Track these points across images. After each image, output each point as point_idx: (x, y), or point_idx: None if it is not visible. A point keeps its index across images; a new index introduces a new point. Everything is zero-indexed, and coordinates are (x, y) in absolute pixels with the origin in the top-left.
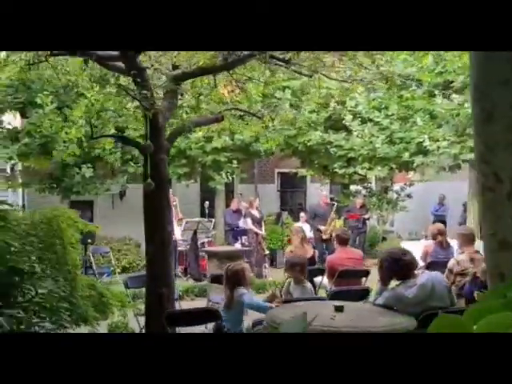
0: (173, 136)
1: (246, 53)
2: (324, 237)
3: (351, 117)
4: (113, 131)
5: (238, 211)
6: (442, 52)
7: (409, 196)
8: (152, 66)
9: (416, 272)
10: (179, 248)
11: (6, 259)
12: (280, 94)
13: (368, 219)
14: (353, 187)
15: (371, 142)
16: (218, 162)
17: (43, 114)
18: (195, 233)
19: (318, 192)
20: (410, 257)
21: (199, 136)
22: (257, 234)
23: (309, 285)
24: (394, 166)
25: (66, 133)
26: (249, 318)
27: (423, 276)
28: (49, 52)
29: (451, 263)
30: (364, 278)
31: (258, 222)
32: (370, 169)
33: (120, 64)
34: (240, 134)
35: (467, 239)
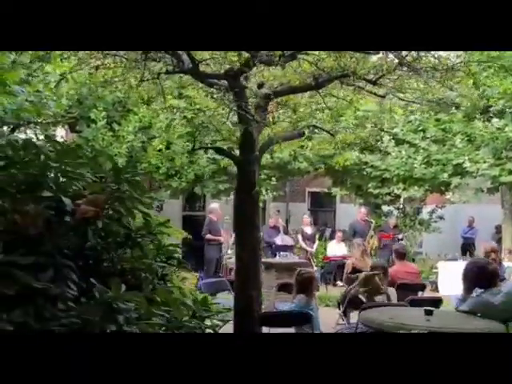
0: (262, 149)
1: (334, 74)
2: (368, 253)
3: (388, 138)
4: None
5: (275, 228)
6: (482, 77)
7: (441, 218)
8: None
9: None
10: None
11: None
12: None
13: (402, 239)
14: (384, 207)
15: (406, 163)
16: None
17: (96, 128)
18: None
19: (348, 211)
20: (494, 266)
21: None
22: (306, 250)
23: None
24: (429, 187)
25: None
26: None
27: (508, 285)
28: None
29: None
30: (420, 292)
31: (308, 238)
32: (404, 189)
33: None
34: (279, 153)
35: None
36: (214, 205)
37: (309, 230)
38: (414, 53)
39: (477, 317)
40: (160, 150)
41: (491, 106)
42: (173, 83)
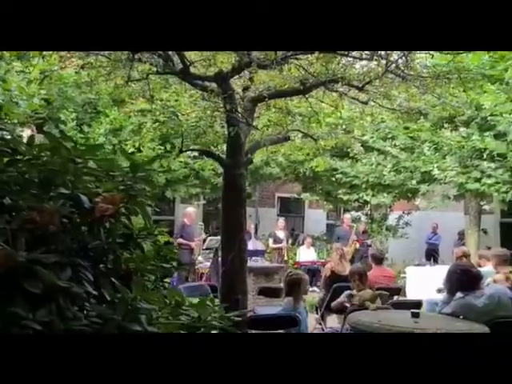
0: (249, 152)
1: (323, 78)
2: (347, 257)
3: (359, 145)
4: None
5: (246, 233)
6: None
7: (407, 224)
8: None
9: None
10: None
11: None
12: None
13: (370, 245)
14: (352, 213)
15: (376, 170)
16: None
17: (65, 129)
18: (217, 250)
19: (316, 217)
20: (477, 270)
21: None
22: (279, 252)
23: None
24: (397, 193)
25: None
26: None
27: (490, 288)
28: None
29: (488, 282)
30: (396, 297)
31: (280, 242)
32: (373, 195)
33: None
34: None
35: (501, 260)
36: (189, 209)
37: (281, 234)
38: (400, 60)
39: (460, 319)
40: (132, 153)
41: (456, 115)
42: (155, 84)
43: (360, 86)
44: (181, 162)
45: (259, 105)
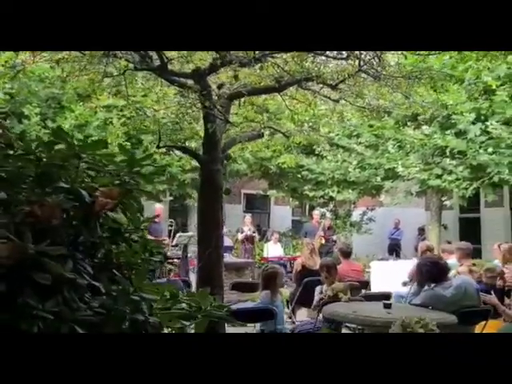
0: (225, 149)
1: (298, 77)
2: (317, 252)
3: (325, 142)
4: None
5: None
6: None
7: (371, 220)
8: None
9: None
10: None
11: None
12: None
13: (335, 241)
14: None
15: (341, 167)
16: (197, 180)
17: (28, 124)
18: (186, 246)
19: (282, 213)
20: (445, 262)
21: (181, 154)
22: (246, 248)
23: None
24: (361, 190)
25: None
26: None
27: (457, 279)
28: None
29: (452, 275)
30: (363, 290)
31: (247, 238)
32: (338, 192)
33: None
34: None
35: (465, 254)
36: (157, 205)
37: (249, 230)
38: (373, 60)
39: (429, 309)
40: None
41: (420, 114)
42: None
43: (333, 84)
44: (153, 183)
45: (234, 102)
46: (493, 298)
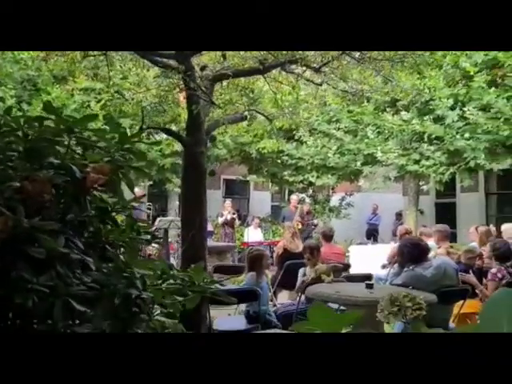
0: (208, 131)
1: (282, 59)
2: (299, 235)
3: (304, 128)
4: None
5: None
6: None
7: (350, 205)
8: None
9: None
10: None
11: None
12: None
13: (317, 225)
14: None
15: (321, 152)
16: (177, 165)
17: (2, 107)
18: (166, 231)
19: (261, 198)
20: (425, 243)
21: (161, 139)
22: (226, 233)
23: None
24: (341, 175)
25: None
26: None
27: (437, 259)
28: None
29: (432, 256)
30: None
31: (227, 223)
32: (318, 177)
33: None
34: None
35: (443, 236)
36: (136, 190)
37: (229, 215)
38: None
39: (410, 289)
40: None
41: (399, 100)
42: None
43: (317, 66)
44: (146, 159)
45: (217, 84)
46: (471, 277)
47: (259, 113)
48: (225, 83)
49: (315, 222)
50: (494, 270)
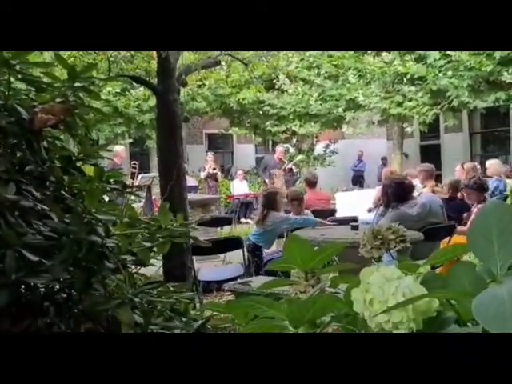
0: (180, 77)
1: None
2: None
3: (284, 76)
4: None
5: None
6: None
7: (334, 152)
8: None
9: None
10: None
11: None
12: None
13: (292, 169)
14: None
15: (302, 100)
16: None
17: None
18: (150, 188)
19: (245, 151)
20: (410, 181)
21: (138, 95)
22: (210, 187)
23: (309, 213)
24: (323, 122)
25: None
26: None
27: (422, 197)
28: None
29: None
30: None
31: (210, 176)
32: (301, 126)
33: None
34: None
35: (428, 175)
36: (117, 147)
37: (210, 169)
38: None
39: None
40: None
41: None
42: None
43: None
44: (102, 99)
45: None
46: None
47: (234, 57)
48: None
49: (290, 166)
50: (481, 206)
